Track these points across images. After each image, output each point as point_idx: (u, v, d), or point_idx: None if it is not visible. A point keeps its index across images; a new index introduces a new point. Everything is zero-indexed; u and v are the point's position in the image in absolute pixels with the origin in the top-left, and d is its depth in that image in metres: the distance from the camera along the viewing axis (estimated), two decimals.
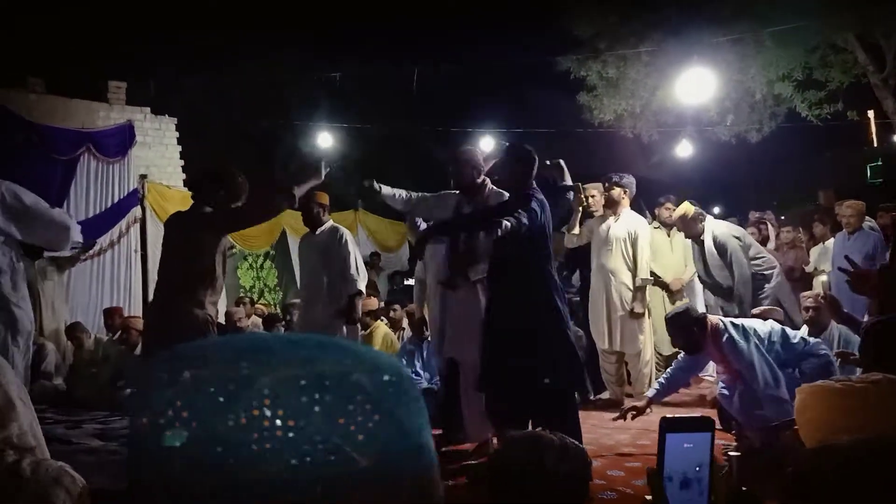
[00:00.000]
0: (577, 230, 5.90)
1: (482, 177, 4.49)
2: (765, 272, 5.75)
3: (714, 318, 4.41)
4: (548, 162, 5.13)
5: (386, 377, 0.55)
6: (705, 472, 1.05)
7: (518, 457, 1.74)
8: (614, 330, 5.73)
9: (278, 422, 0.50)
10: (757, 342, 4.22)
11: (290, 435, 0.50)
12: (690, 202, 5.94)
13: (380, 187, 4.70)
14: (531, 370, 3.83)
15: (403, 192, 4.80)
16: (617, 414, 4.57)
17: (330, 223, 5.36)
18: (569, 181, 5.22)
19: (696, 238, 5.74)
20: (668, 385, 4.59)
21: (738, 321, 4.47)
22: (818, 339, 4.47)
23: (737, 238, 5.77)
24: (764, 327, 4.39)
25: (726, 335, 4.20)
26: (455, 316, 4.47)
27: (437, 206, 4.70)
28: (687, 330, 4.33)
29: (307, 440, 0.50)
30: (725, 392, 4.38)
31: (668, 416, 1.06)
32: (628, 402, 5.81)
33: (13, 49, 10.96)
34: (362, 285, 5.18)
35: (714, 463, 1.06)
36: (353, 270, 5.11)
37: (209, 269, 3.83)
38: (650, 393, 4.61)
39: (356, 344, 0.58)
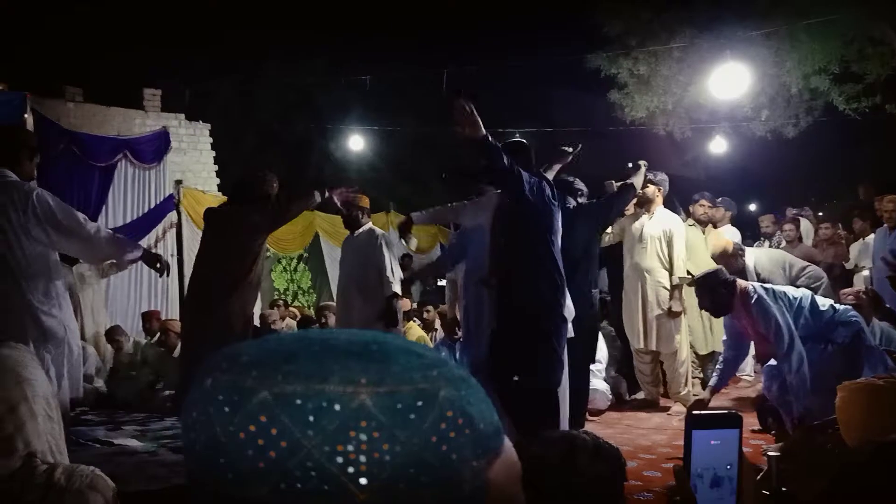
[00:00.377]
0: (609, 228, 5.83)
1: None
2: (812, 286, 5.62)
3: (743, 283, 4.40)
4: (629, 164, 5.24)
5: (464, 383, 0.52)
6: (734, 470, 1.03)
7: (551, 457, 1.73)
8: (650, 329, 5.65)
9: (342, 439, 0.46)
10: (786, 305, 4.21)
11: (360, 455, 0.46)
12: (723, 206, 5.88)
13: (413, 219, 4.89)
14: (505, 368, 3.77)
15: (437, 208, 5.00)
16: (656, 413, 4.55)
17: (368, 225, 5.43)
18: (637, 183, 5.17)
19: (739, 273, 5.57)
20: (725, 371, 4.58)
21: (768, 285, 4.51)
22: (847, 306, 4.41)
23: (781, 268, 5.69)
24: (795, 293, 4.40)
25: (756, 296, 4.20)
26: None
27: (475, 209, 4.74)
28: (715, 291, 4.33)
29: (376, 462, 0.46)
30: (768, 383, 4.38)
31: (694, 412, 1.05)
32: (664, 403, 5.78)
33: (51, 59, 11.22)
34: (398, 287, 5.22)
35: (743, 460, 1.04)
36: (388, 272, 5.15)
37: (252, 268, 3.95)
38: (712, 383, 4.59)
39: (420, 346, 0.54)
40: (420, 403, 0.48)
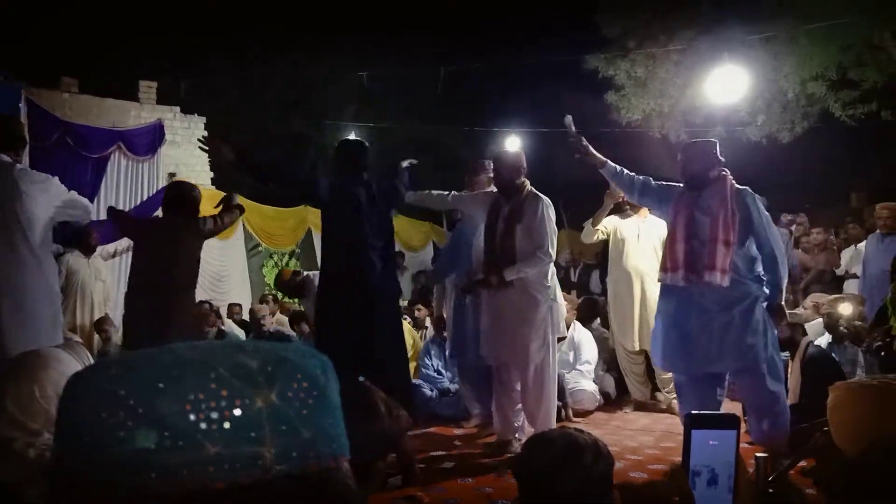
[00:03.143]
0: (601, 226, 5.76)
1: (521, 178, 4.50)
2: None
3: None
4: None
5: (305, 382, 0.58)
6: (731, 469, 1.04)
7: (553, 455, 1.73)
8: (644, 331, 5.62)
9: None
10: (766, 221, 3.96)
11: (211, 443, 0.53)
12: None
13: (406, 188, 4.76)
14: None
15: (436, 192, 4.90)
16: (644, 415, 4.51)
17: None
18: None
19: None
20: (622, 172, 4.28)
21: None
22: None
23: None
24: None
25: (747, 191, 3.96)
26: (499, 319, 4.44)
27: (473, 202, 4.76)
28: (708, 158, 4.00)
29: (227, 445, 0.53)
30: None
31: (694, 412, 1.05)
32: (653, 405, 5.79)
33: (47, 49, 11.17)
34: None
35: (740, 461, 1.05)
36: None
37: (196, 270, 4.54)
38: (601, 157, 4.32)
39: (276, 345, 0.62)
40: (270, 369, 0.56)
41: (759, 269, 3.95)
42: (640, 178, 4.28)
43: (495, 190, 4.63)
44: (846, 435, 2.43)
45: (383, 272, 4.27)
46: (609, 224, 5.75)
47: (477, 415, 5.29)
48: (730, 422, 1.05)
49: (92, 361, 1.64)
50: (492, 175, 4.68)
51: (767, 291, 3.89)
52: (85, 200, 4.20)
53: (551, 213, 4.45)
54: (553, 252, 4.41)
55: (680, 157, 4.17)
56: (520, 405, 4.55)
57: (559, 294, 4.71)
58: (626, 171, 4.34)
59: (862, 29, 8.79)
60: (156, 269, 4.36)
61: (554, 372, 4.52)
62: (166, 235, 4.46)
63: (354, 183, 4.28)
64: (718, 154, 4.06)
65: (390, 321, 4.37)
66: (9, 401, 1.53)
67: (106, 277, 7.56)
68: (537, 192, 4.49)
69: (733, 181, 4.01)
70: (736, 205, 3.90)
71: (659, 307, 4.17)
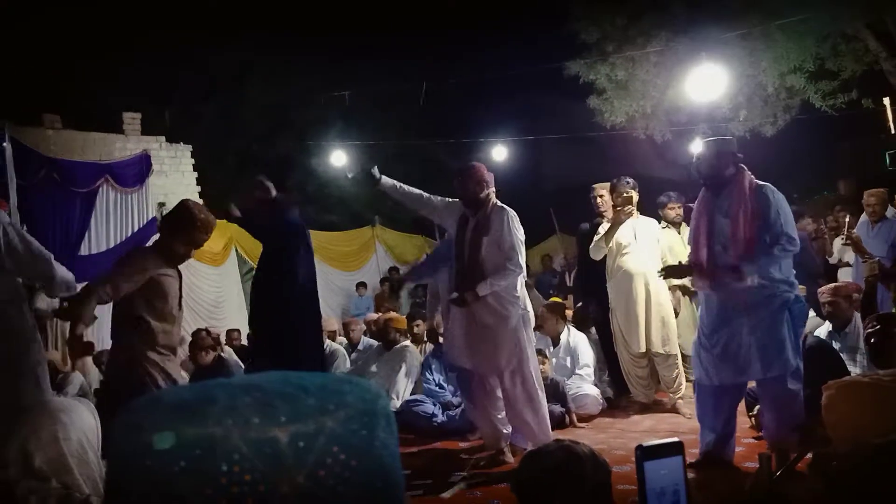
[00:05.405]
0: (604, 243, 5.64)
1: (486, 192, 4.52)
2: None
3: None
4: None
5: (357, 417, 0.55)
6: (683, 492, 1.11)
7: (554, 466, 1.73)
8: (651, 332, 5.61)
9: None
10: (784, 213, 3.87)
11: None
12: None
13: (380, 176, 4.75)
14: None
15: (411, 189, 4.84)
16: (647, 417, 4.49)
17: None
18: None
19: None
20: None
21: None
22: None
23: None
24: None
25: (767, 187, 3.88)
26: (470, 328, 4.50)
27: (445, 212, 4.76)
28: (721, 158, 3.93)
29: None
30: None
31: (642, 444, 1.11)
32: (657, 406, 5.79)
33: (28, 87, 11.16)
34: None
35: (687, 482, 1.13)
36: None
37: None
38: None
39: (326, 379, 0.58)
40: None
41: (789, 270, 3.89)
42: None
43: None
44: (842, 433, 2.44)
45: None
46: (608, 235, 5.63)
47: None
48: (676, 449, 1.11)
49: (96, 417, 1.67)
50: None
51: (793, 295, 3.84)
52: (48, 261, 3.62)
53: (517, 225, 4.47)
54: (523, 263, 4.44)
55: (694, 158, 4.16)
56: (503, 413, 4.58)
57: (528, 304, 4.73)
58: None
59: (834, 21, 8.87)
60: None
61: (538, 380, 4.55)
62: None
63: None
64: (734, 151, 4.00)
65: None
66: (31, 443, 1.54)
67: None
68: (503, 205, 4.52)
69: (752, 177, 3.94)
70: (754, 202, 3.84)
71: (700, 315, 4.19)
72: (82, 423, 1.58)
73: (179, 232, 3.75)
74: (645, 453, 1.10)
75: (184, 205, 3.90)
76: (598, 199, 6.04)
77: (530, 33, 15.26)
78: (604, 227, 5.73)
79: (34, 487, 1.51)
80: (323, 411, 0.54)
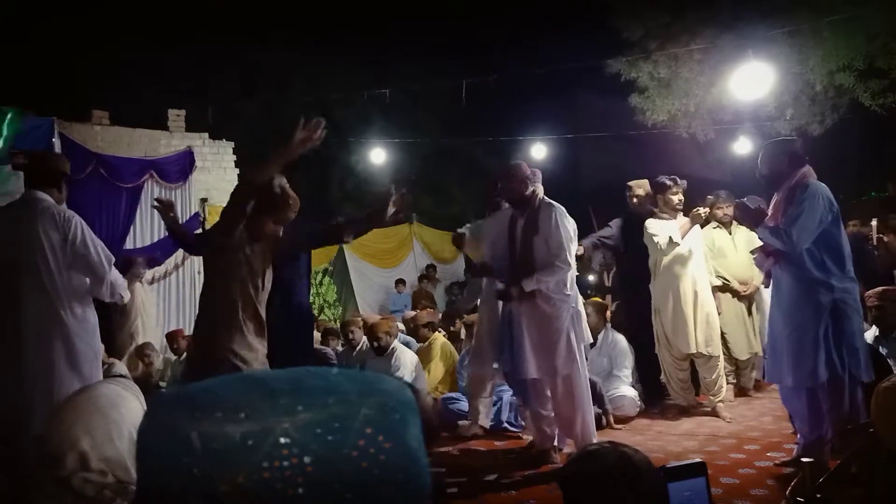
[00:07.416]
0: (660, 241, 5.49)
1: (531, 189, 4.49)
2: None
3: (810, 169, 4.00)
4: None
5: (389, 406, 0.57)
6: None
7: (602, 470, 1.70)
8: (699, 334, 5.51)
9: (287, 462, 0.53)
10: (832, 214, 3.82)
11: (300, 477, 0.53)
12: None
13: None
14: None
15: (475, 224, 5.25)
16: (686, 419, 4.43)
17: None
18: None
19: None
20: None
21: None
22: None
23: None
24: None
25: (809, 182, 3.85)
26: (523, 330, 4.42)
27: (493, 226, 4.76)
28: (776, 160, 4.00)
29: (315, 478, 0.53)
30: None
31: (665, 466, 1.11)
32: (696, 408, 5.70)
33: (78, 84, 11.44)
34: None
35: (711, 501, 1.15)
36: None
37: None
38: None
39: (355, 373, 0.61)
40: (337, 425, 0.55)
41: (838, 265, 3.80)
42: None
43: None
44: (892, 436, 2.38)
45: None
46: (664, 236, 5.48)
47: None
48: (699, 470, 1.13)
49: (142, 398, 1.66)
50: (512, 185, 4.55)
51: (839, 295, 3.75)
52: (105, 267, 3.74)
53: (566, 221, 4.41)
54: (572, 260, 4.37)
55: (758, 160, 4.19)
56: (553, 413, 4.53)
57: (580, 302, 4.67)
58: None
59: (885, 18, 8.63)
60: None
61: (584, 379, 4.49)
62: None
63: None
64: (793, 153, 3.99)
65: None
66: (85, 442, 1.54)
67: (150, 306, 7.70)
68: (550, 201, 4.48)
69: (806, 177, 3.90)
70: (794, 196, 3.83)
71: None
72: (132, 415, 1.58)
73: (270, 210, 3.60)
74: (668, 475, 1.11)
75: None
76: (635, 199, 6.00)
77: (571, 31, 15.14)
78: (657, 224, 5.58)
79: (91, 478, 1.53)
80: (362, 395, 0.57)
